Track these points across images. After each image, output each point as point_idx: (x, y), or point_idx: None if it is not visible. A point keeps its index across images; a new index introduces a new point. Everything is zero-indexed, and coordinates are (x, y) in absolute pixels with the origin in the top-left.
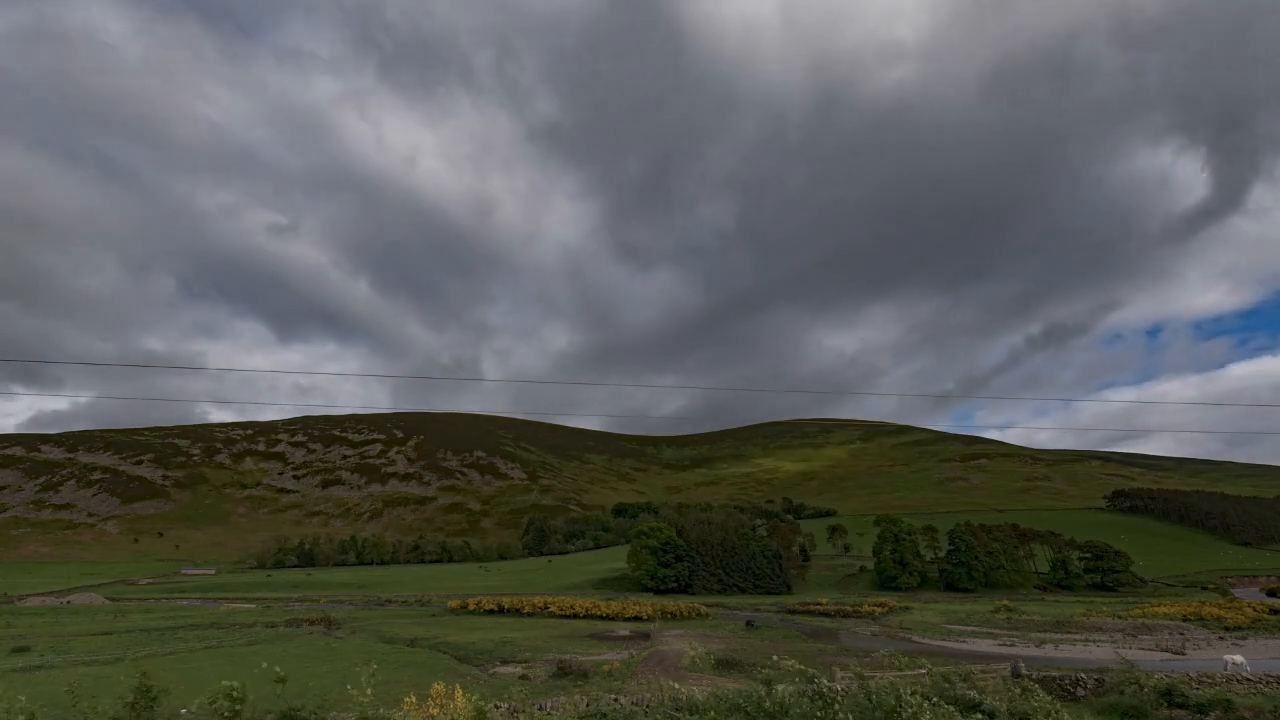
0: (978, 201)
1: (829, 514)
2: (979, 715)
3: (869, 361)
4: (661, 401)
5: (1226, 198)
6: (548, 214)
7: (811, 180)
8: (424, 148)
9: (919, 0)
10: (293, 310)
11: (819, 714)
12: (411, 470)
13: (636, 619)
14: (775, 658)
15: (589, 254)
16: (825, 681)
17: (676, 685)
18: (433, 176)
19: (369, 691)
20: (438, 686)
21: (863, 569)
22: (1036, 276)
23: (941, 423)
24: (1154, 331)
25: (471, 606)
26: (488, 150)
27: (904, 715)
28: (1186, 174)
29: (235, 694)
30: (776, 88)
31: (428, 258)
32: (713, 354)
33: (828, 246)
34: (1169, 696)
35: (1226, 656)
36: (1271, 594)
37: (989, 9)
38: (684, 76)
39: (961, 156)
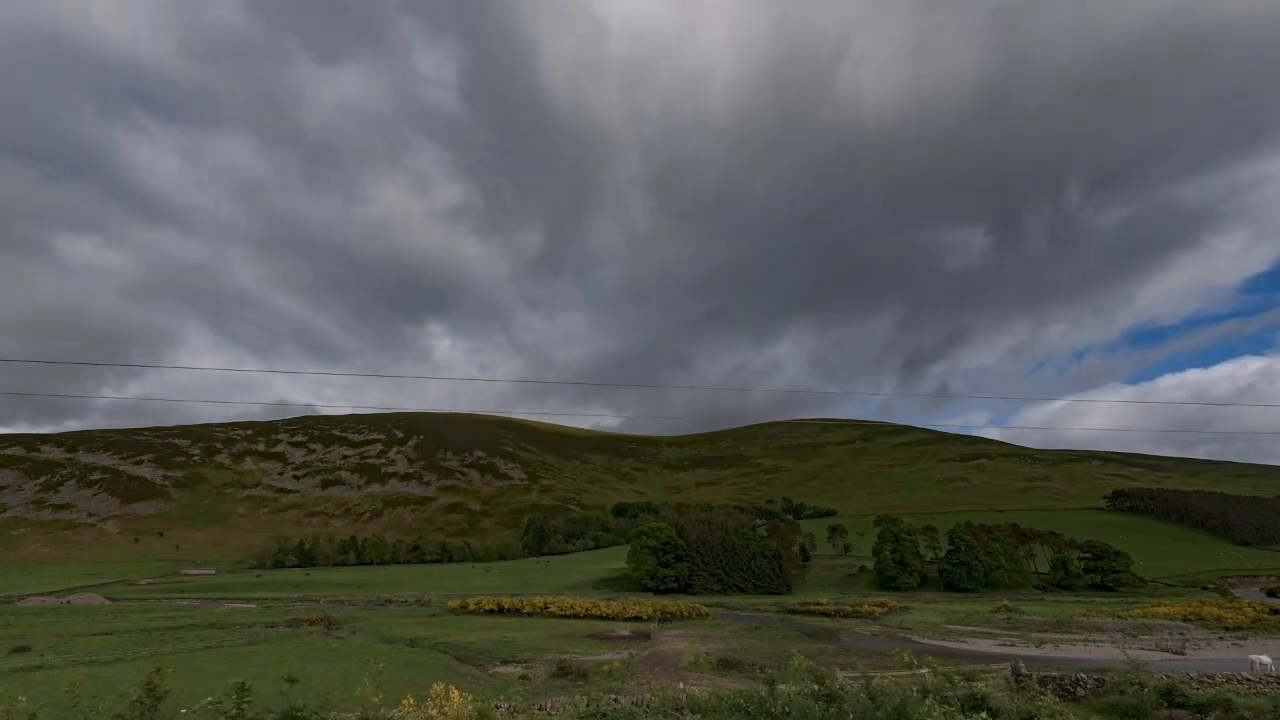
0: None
1: (829, 514)
2: (982, 715)
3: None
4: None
5: None
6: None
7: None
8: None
9: (752, 86)
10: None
11: (822, 714)
12: (411, 470)
13: (636, 619)
14: (794, 652)
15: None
16: (833, 680)
17: (678, 685)
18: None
19: (378, 696)
20: (437, 687)
21: (863, 569)
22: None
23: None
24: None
25: (471, 606)
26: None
27: (908, 715)
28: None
29: (244, 690)
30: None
31: (381, 300)
32: (630, 393)
33: (700, 301)
34: (1169, 696)
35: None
36: (1271, 594)
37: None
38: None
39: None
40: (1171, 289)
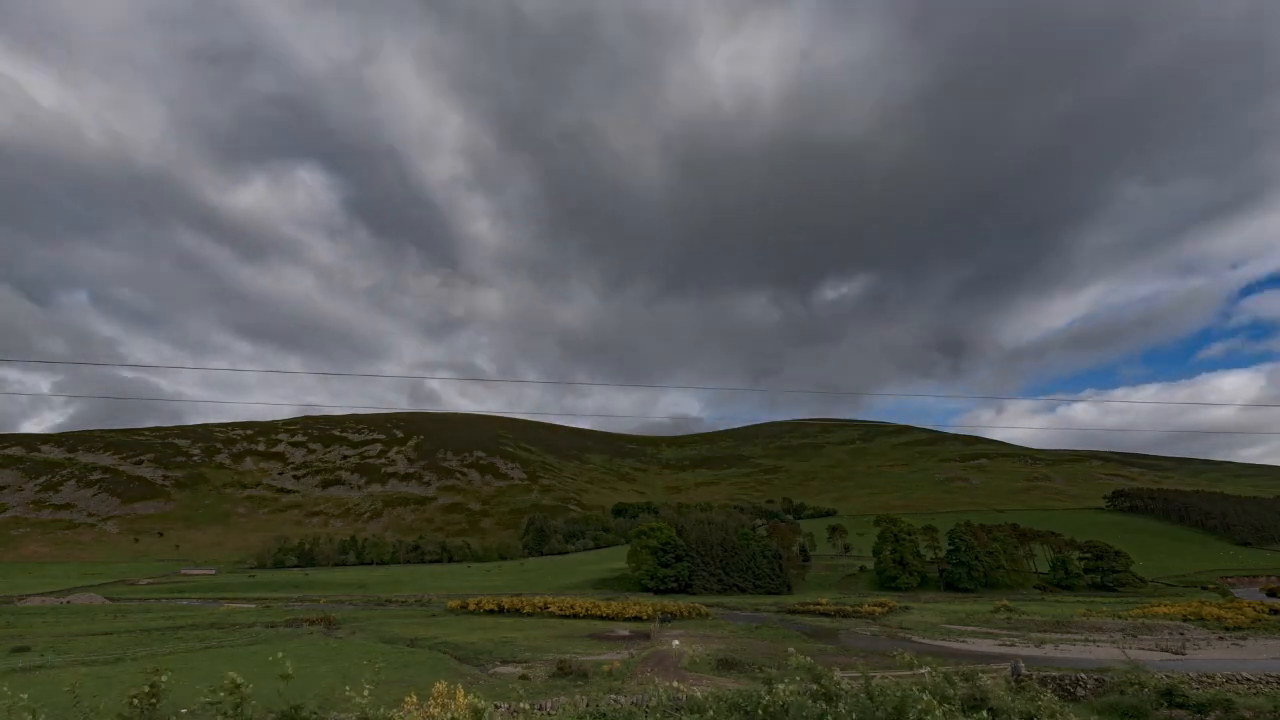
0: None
1: (829, 514)
2: (983, 715)
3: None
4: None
5: None
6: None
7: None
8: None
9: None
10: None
11: (821, 714)
12: (411, 470)
13: (636, 619)
14: (793, 652)
15: None
16: (832, 679)
17: (677, 685)
18: None
19: (367, 691)
20: (439, 686)
21: (863, 569)
22: None
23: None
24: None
25: (471, 606)
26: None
27: (908, 714)
28: None
29: (240, 688)
30: None
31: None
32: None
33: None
34: (1169, 696)
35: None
36: (1271, 594)
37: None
38: None
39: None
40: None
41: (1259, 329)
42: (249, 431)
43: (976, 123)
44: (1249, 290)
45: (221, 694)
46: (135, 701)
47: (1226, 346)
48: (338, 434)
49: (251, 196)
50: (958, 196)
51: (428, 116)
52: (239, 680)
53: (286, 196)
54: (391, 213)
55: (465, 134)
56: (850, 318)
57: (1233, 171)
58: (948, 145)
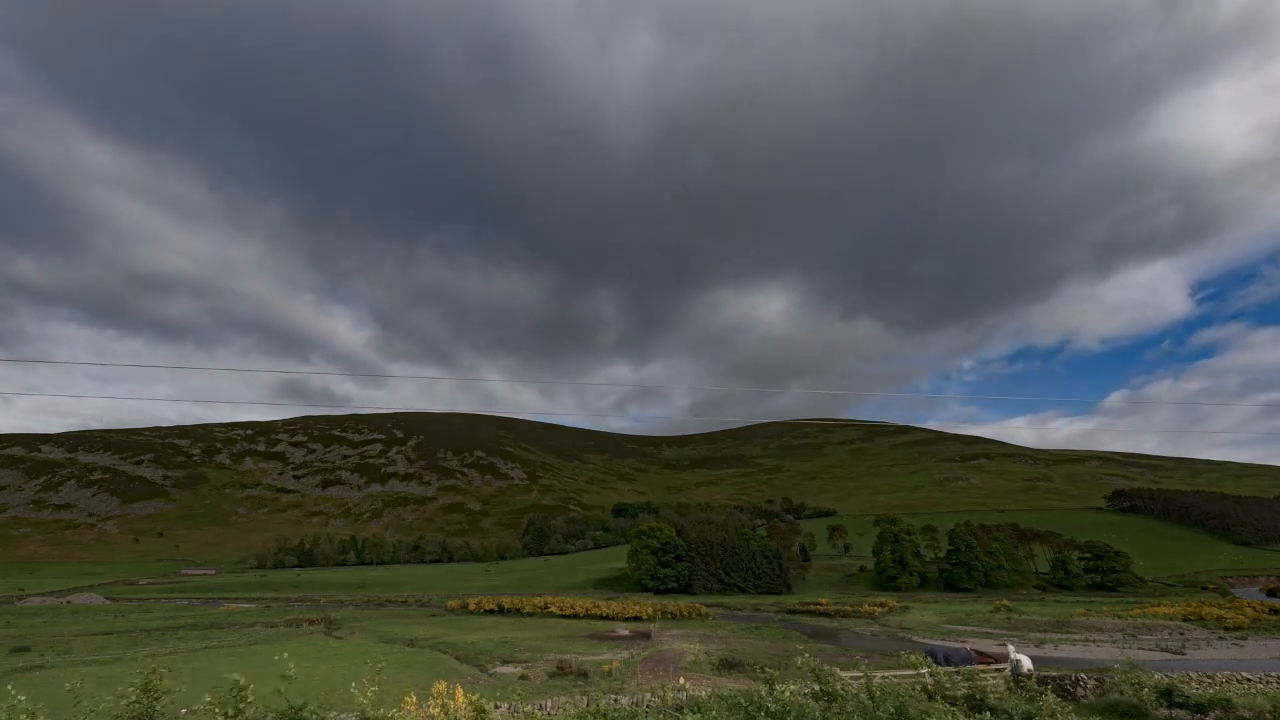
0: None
1: (829, 514)
2: (983, 715)
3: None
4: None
5: None
6: None
7: None
8: None
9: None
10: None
11: (822, 713)
12: (411, 470)
13: (636, 619)
14: (794, 652)
15: None
16: (833, 679)
17: (679, 683)
18: None
19: (370, 691)
20: (439, 686)
21: (863, 569)
22: None
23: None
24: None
25: (471, 606)
26: None
27: (908, 714)
28: None
29: (242, 690)
30: None
31: None
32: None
33: None
34: (1169, 696)
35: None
36: (1271, 594)
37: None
38: None
39: None
40: None
41: None
42: (249, 431)
43: None
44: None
45: (222, 694)
46: (134, 702)
47: None
48: (338, 434)
49: None
50: None
51: None
52: (241, 681)
53: None
54: None
55: None
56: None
57: None
58: None
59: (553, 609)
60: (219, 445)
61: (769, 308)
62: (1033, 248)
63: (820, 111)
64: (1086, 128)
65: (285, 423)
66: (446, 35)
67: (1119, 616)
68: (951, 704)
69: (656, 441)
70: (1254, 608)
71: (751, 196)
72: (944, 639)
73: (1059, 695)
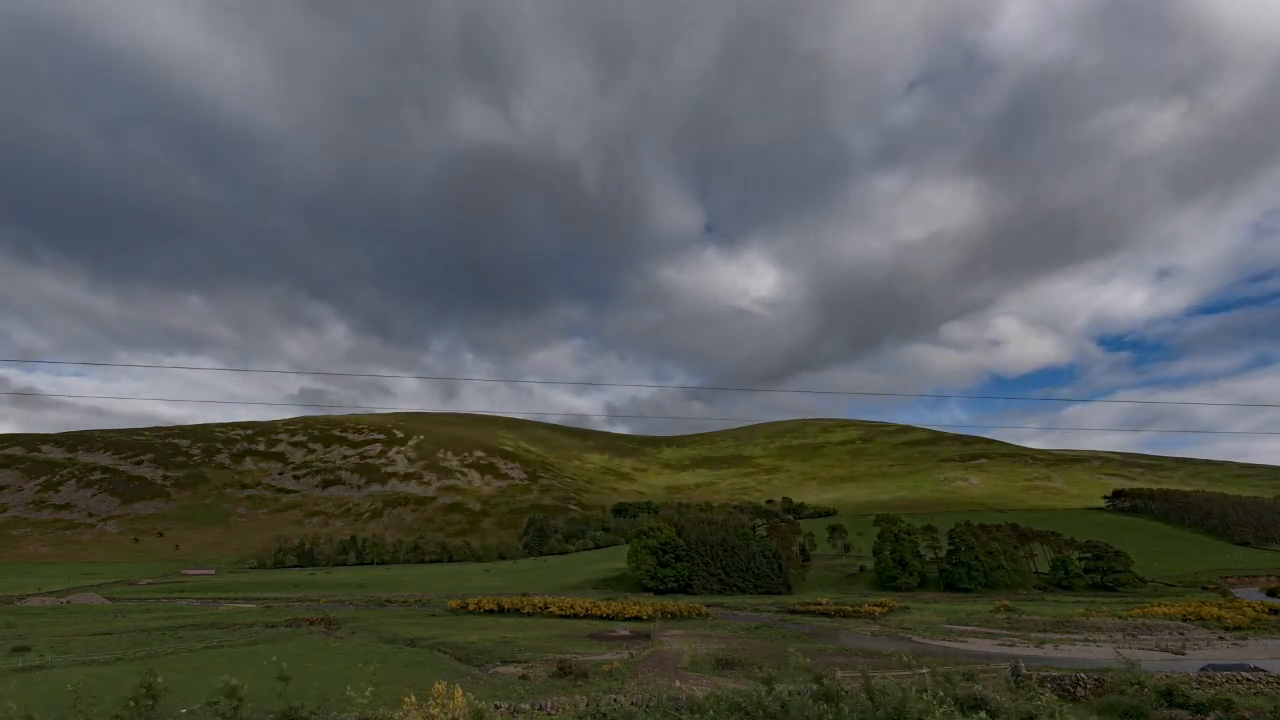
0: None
1: (829, 514)
2: (982, 714)
3: None
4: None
5: None
6: None
7: None
8: None
9: None
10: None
11: (821, 714)
12: (411, 470)
13: (636, 619)
14: (793, 652)
15: None
16: (832, 679)
17: (677, 685)
18: None
19: (369, 691)
20: (439, 686)
21: (863, 569)
22: None
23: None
24: None
25: (471, 606)
26: None
27: (908, 714)
28: None
29: (236, 692)
30: None
31: None
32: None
33: None
34: (1169, 696)
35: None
36: (1271, 594)
37: None
38: None
39: None
40: None
41: None
42: (249, 431)
43: None
44: None
45: (219, 698)
46: (133, 702)
47: None
48: (338, 434)
49: None
50: None
51: None
52: (235, 684)
53: None
54: None
55: None
56: None
57: None
58: None
59: (553, 609)
60: (219, 445)
61: None
62: None
63: None
64: None
65: (285, 423)
66: None
67: (1119, 616)
68: (952, 704)
69: (656, 441)
70: (1254, 608)
71: None
72: (944, 639)
73: (1059, 695)
